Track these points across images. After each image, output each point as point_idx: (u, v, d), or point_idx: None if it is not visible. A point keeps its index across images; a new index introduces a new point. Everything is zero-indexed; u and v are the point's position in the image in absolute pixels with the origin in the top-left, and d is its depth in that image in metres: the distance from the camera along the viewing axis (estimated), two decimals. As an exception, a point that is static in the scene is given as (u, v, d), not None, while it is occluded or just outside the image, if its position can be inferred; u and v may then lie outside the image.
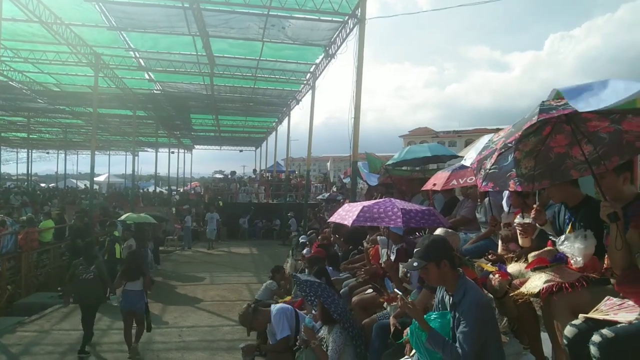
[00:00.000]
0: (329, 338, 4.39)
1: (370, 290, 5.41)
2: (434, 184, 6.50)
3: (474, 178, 5.65)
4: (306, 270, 6.47)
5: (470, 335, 2.86)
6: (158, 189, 38.62)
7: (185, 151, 43.49)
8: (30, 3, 10.73)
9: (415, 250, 3.24)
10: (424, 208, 5.34)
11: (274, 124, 30.19)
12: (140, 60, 16.12)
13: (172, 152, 37.49)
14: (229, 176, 32.03)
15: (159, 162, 33.38)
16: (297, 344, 4.72)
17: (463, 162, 5.82)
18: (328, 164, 28.91)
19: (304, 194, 23.20)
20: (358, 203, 5.75)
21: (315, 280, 4.74)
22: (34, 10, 11.01)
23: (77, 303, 7.96)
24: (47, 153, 48.83)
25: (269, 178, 31.95)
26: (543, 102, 2.85)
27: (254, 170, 34.38)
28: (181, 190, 39.00)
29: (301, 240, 12.31)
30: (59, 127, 33.75)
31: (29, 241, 12.11)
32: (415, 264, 3.12)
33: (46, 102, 23.23)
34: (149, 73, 17.64)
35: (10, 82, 18.57)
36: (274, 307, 5.23)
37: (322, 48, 14.27)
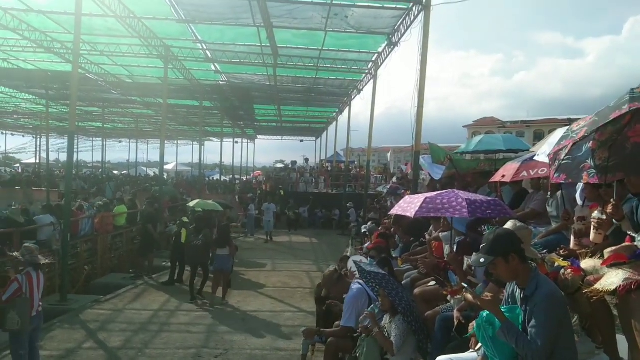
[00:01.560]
0: (391, 326, 4.38)
1: (432, 283, 5.33)
2: (503, 176, 6.28)
3: (545, 170, 5.42)
4: (368, 260, 6.46)
5: (543, 329, 2.76)
6: (222, 178, 39.72)
7: (249, 141, 44.51)
8: (107, -1, 11.30)
9: (481, 245, 3.15)
10: (489, 199, 5.18)
11: (334, 114, 30.22)
12: (207, 52, 16.59)
13: (236, 142, 38.46)
14: (290, 166, 32.51)
15: (223, 152, 34.41)
16: (358, 331, 4.74)
17: (536, 158, 5.58)
18: (388, 154, 28.60)
19: (363, 184, 23.14)
20: (420, 194, 5.65)
21: (380, 272, 4.72)
22: (109, 6, 11.58)
23: (188, 263, 10.48)
24: (120, 142, 51.40)
25: (329, 168, 32.12)
26: (632, 90, 2.66)
27: (306, 160, 34.57)
28: (244, 179, 40.00)
29: (362, 230, 12.30)
30: (131, 117, 35.45)
31: (105, 225, 12.87)
32: (481, 260, 3.04)
33: (119, 93, 24.45)
34: (215, 64, 18.13)
35: (87, 75, 19.67)
36: (353, 286, 5.24)
37: (385, 36, 14.08)
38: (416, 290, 5.37)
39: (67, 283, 9.76)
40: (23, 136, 51.22)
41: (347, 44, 15.31)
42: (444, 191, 5.48)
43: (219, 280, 9.76)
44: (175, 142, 50.68)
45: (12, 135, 49.86)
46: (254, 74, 19.62)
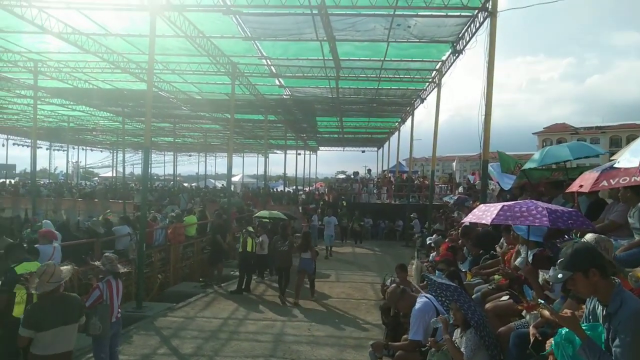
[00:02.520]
0: (462, 340, 4.26)
1: (506, 297, 5.13)
2: (581, 186, 5.95)
3: (627, 179, 5.10)
4: (436, 272, 6.34)
5: (629, 349, 2.59)
6: (286, 189, 40.43)
7: (311, 152, 45.07)
8: (178, 20, 11.90)
9: (558, 260, 3.01)
10: (569, 209, 4.95)
11: (396, 124, 29.99)
12: (272, 68, 17.04)
13: (299, 154, 39.10)
14: (352, 176, 32.51)
15: (287, 163, 35.14)
16: (427, 345, 4.65)
17: (616, 165, 5.26)
18: (454, 163, 27.98)
19: (427, 194, 22.74)
20: (496, 203, 5.45)
21: (451, 284, 4.62)
22: (181, 27, 12.20)
23: (275, 266, 11.89)
24: (190, 155, 53.76)
25: (392, 179, 31.85)
26: None
27: (369, 170, 34.46)
28: (307, 190, 40.47)
29: (428, 242, 12.08)
30: (200, 131, 37.00)
31: (177, 235, 13.42)
32: (559, 275, 2.90)
33: (189, 109, 25.61)
34: (279, 79, 18.58)
35: (159, 92, 20.78)
36: (420, 300, 5.17)
37: (449, 44, 13.87)
38: (488, 305, 5.20)
39: (143, 291, 10.25)
40: (101, 151, 54.93)
41: (410, 53, 15.21)
42: (521, 200, 5.29)
43: (302, 279, 11.02)
44: (242, 154, 52.21)
45: (92, 150, 53.60)
46: (317, 87, 19.91)
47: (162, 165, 55.09)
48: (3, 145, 40.26)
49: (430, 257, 10.34)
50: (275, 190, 40.44)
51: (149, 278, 11.77)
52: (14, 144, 42.21)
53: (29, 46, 15.50)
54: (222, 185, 44.81)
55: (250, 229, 12.41)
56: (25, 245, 7.49)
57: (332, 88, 19.67)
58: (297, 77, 17.47)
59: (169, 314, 9.69)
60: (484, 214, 4.97)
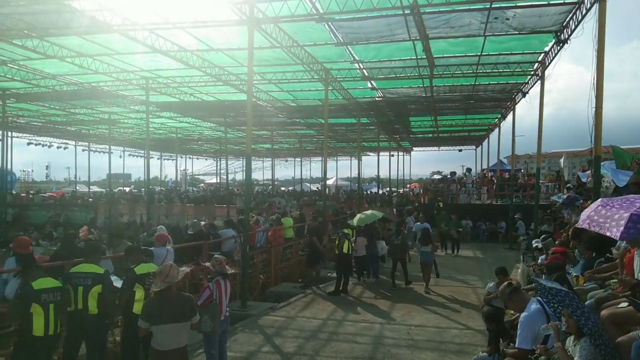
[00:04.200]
0: (575, 349, 3.98)
1: (624, 304, 4.71)
2: None
3: None
4: (543, 277, 5.98)
5: None
6: (380, 191, 40.24)
7: (404, 153, 44.43)
8: (273, 32, 12.39)
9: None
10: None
11: (496, 120, 28.66)
12: (364, 71, 17.10)
13: (392, 155, 38.66)
14: (448, 177, 31.56)
15: (380, 165, 35.00)
16: (536, 352, 4.40)
17: None
18: (561, 160, 26.00)
19: (532, 194, 21.43)
20: (617, 205, 4.67)
21: (562, 289, 4.33)
22: (276, 38, 12.68)
23: (391, 257, 13.05)
24: (286, 160, 55.53)
25: (492, 178, 30.47)
26: None
27: (469, 170, 33.14)
28: (401, 192, 39.96)
29: (534, 245, 11.40)
30: (295, 137, 38.07)
31: (277, 237, 13.92)
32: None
33: (285, 116, 26.48)
34: (372, 82, 18.60)
35: (258, 102, 21.71)
36: (532, 305, 4.89)
37: (552, 34, 13.02)
38: (604, 312, 4.80)
39: (247, 290, 10.77)
40: (206, 159, 58.61)
41: (509, 46, 14.49)
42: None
43: (426, 270, 12.42)
44: (335, 158, 52.89)
45: (197, 159, 57.39)
46: (410, 87, 19.64)
47: (261, 171, 57.49)
48: (120, 157, 44.34)
49: (538, 261, 9.76)
50: (368, 192, 40.43)
51: (252, 278, 12.32)
52: (129, 155, 46.39)
53: (141, 65, 16.94)
54: (317, 188, 45.72)
55: (346, 230, 12.54)
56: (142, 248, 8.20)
57: (425, 87, 19.31)
58: (389, 79, 17.36)
59: (271, 313, 10.08)
60: (608, 221, 4.38)
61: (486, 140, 35.24)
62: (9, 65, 16.83)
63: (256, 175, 57.20)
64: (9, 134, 26.17)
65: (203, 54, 15.45)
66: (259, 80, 18.29)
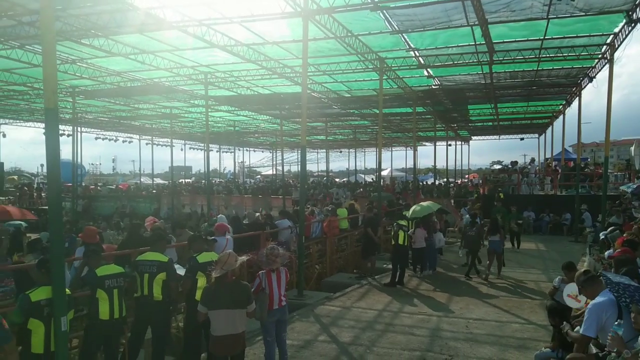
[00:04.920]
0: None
1: None
2: None
3: None
4: (612, 271, 5.66)
5: None
6: (436, 182, 39.49)
7: (463, 143, 43.33)
8: (328, 22, 12.37)
9: None
10: None
11: (560, 106, 27.33)
12: (420, 59, 16.77)
13: (450, 145, 37.81)
14: (509, 166, 30.47)
15: (437, 155, 34.25)
16: (605, 349, 4.19)
17: None
18: (631, 148, 24.54)
19: (600, 184, 20.32)
20: None
21: (632, 283, 4.09)
22: (330, 29, 12.66)
23: (466, 248, 12.85)
24: (340, 152, 55.59)
25: (556, 167, 29.15)
26: None
27: (532, 160, 31.84)
28: (459, 182, 39.03)
29: (601, 237, 10.83)
30: (349, 128, 38.00)
31: (332, 228, 14.00)
32: None
33: (339, 107, 26.46)
34: (428, 69, 18.22)
35: (312, 93, 21.81)
36: (602, 294, 4.65)
37: (622, 14, 12.22)
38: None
39: (303, 280, 10.92)
40: (262, 151, 59.67)
41: (575, 29, 13.74)
42: None
43: (492, 259, 12.53)
44: (390, 148, 52.36)
45: (254, 151, 58.52)
46: (468, 74, 19.08)
47: (316, 162, 57.89)
48: (181, 150, 46.03)
49: (606, 254, 9.27)
50: (424, 183, 39.79)
51: (308, 268, 12.46)
52: (190, 148, 48.05)
53: (200, 60, 17.44)
54: (372, 179, 45.48)
55: (402, 222, 12.36)
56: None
57: (484, 74, 18.68)
58: (446, 66, 16.93)
59: (327, 302, 10.15)
60: None
61: (550, 128, 33.72)
62: (77, 64, 17.83)
63: (311, 167, 57.68)
64: (79, 129, 27.67)
65: (258, 47, 15.68)
66: (313, 72, 18.35)
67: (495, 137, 44.45)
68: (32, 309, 4.83)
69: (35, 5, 11.45)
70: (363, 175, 53.31)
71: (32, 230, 15.08)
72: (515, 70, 18.51)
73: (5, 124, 34.18)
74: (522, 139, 42.58)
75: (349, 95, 23.45)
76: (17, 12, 12.40)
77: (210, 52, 15.85)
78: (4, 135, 33.23)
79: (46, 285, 4.94)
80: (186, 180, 50.29)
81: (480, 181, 32.91)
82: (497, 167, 38.43)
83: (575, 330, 4.99)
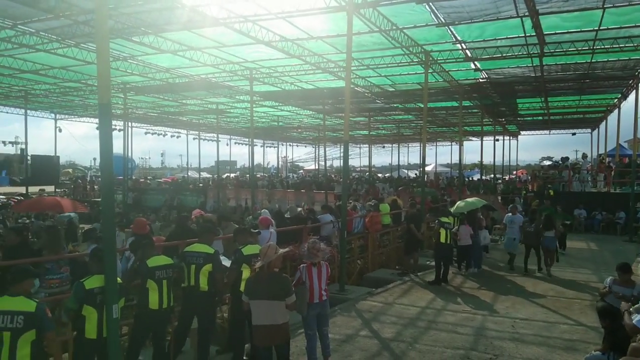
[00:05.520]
0: None
1: None
2: None
3: None
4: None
5: None
6: (483, 177, 38.53)
7: (511, 138, 42.07)
8: (372, 16, 12.28)
9: None
10: None
11: (615, 100, 26.11)
12: (467, 51, 16.40)
13: (497, 140, 36.76)
14: (560, 163, 29.40)
15: (483, 150, 33.43)
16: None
17: None
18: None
19: (659, 181, 19.29)
20: None
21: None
22: (375, 22, 12.56)
23: (524, 243, 12.86)
24: (383, 147, 55.16)
25: (610, 163, 27.89)
26: None
27: (584, 156, 30.58)
28: (507, 179, 37.98)
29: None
30: (393, 123, 37.64)
31: (374, 223, 13.92)
32: None
33: (383, 102, 26.25)
34: (475, 63, 17.80)
35: (355, 88, 21.72)
36: None
37: (686, 0, 11.53)
38: None
39: (344, 275, 10.93)
40: (305, 146, 60.04)
41: (633, 18, 13.06)
42: None
43: (546, 255, 12.55)
44: (434, 143, 51.52)
45: (297, 146, 59.01)
46: (517, 67, 18.53)
47: (358, 157, 57.74)
48: (227, 145, 46.89)
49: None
50: (470, 179, 38.92)
51: (350, 263, 12.45)
52: (235, 143, 48.93)
53: (245, 56, 17.70)
54: (415, 174, 44.93)
55: (444, 219, 12.11)
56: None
57: (535, 66, 18.09)
58: (494, 59, 16.47)
59: (368, 298, 10.12)
60: None
61: (604, 123, 32.30)
62: (128, 61, 18.45)
63: (353, 162, 57.61)
64: (129, 124, 28.70)
65: (303, 42, 15.74)
66: (357, 66, 18.28)
67: (545, 132, 43.04)
68: (86, 296, 5.01)
69: (90, 5, 11.94)
70: (406, 171, 52.73)
71: (84, 222, 15.80)
72: (568, 62, 17.81)
73: (62, 119, 35.82)
74: (573, 134, 41.04)
75: (393, 90, 23.22)
76: (74, 12, 12.96)
77: (255, 47, 16.05)
78: (60, 130, 34.69)
79: (99, 273, 5.16)
80: (231, 175, 51.26)
81: (529, 177, 31.91)
82: (547, 163, 37.13)
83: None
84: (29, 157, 32.08)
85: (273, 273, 5.43)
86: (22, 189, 30.69)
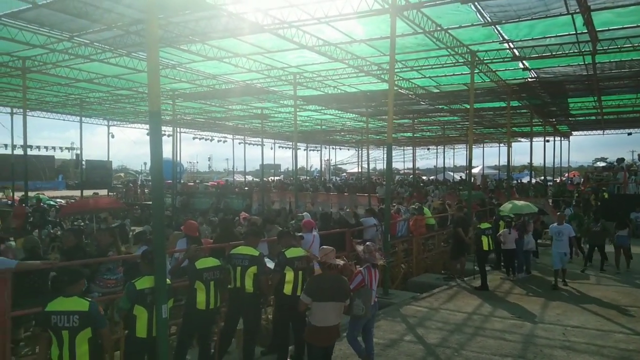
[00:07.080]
0: None
1: None
2: None
3: None
4: None
5: None
6: (533, 180, 37.31)
7: (562, 138, 40.56)
8: (416, 18, 12.17)
9: None
10: None
11: (677, 98, 24.78)
12: (515, 51, 15.96)
13: (547, 141, 35.49)
14: (615, 164, 28.12)
15: (533, 152, 32.33)
16: None
17: None
18: None
19: None
20: None
21: None
22: (419, 23, 12.44)
23: (589, 242, 13.48)
24: (427, 149, 54.34)
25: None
26: None
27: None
28: (558, 181, 36.62)
29: None
30: (438, 125, 37.05)
31: (418, 227, 13.75)
32: None
33: (427, 103, 25.91)
34: (524, 62, 17.30)
35: (399, 90, 21.56)
36: None
37: None
38: None
39: (388, 279, 10.85)
40: (348, 149, 60.03)
41: (692, 11, 12.37)
42: None
43: (619, 253, 13.08)
44: (481, 145, 50.32)
45: (340, 149, 59.09)
46: (568, 66, 17.86)
47: (402, 160, 57.12)
48: (271, 148, 47.56)
49: None
50: (519, 181, 37.77)
51: (394, 267, 12.34)
52: (279, 147, 49.55)
53: (289, 61, 17.91)
54: (461, 177, 44.00)
55: (484, 225, 11.80)
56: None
57: (587, 64, 17.36)
58: (544, 57, 15.94)
59: (413, 302, 10.02)
60: None
61: (664, 122, 30.65)
62: (177, 68, 19.06)
63: (397, 165, 57.03)
64: (178, 129, 29.59)
65: (346, 46, 15.79)
66: (400, 68, 18.14)
67: (598, 132, 41.31)
68: (137, 297, 5.18)
69: (140, 15, 12.42)
70: (452, 173, 51.72)
71: (135, 224, 16.40)
72: (622, 59, 17.01)
73: (114, 125, 37.39)
74: (629, 133, 39.16)
75: (438, 91, 22.89)
76: (125, 22, 13.53)
77: (298, 52, 16.22)
78: (113, 136, 36.41)
79: (149, 275, 5.36)
80: (275, 178, 51.89)
81: (582, 180, 30.67)
82: (601, 164, 35.57)
83: None
84: (83, 162, 33.76)
85: (335, 275, 5.63)
86: (77, 193, 32.24)
